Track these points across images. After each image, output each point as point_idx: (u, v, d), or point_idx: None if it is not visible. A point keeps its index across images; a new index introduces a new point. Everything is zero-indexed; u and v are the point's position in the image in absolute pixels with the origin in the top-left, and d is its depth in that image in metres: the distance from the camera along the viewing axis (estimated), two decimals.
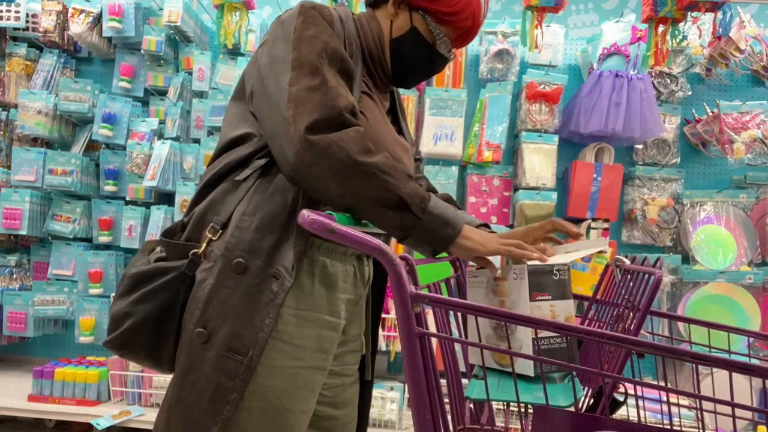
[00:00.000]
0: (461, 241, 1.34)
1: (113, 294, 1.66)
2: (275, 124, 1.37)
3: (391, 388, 3.33)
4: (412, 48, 1.56)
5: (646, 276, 1.24)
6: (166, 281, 1.40)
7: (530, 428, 0.95)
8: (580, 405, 1.22)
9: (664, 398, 1.23)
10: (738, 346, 3.26)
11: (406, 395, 3.32)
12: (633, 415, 2.34)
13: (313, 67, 1.35)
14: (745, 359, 1.42)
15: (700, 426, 1.00)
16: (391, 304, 3.39)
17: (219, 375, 1.34)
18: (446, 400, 1.24)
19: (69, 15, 3.71)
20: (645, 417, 1.55)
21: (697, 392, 0.90)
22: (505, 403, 1.58)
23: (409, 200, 1.30)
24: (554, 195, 3.49)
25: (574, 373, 1.19)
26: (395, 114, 1.73)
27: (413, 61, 1.59)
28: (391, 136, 1.56)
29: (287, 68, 1.37)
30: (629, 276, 1.35)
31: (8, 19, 3.72)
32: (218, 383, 1.34)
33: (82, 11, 3.68)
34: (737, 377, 1.14)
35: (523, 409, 1.34)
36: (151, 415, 3.15)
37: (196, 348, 1.36)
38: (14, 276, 3.73)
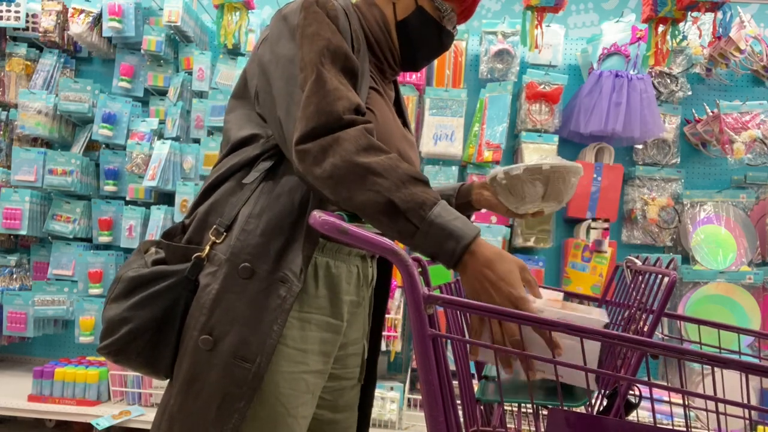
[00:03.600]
0: (464, 270, 1.19)
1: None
2: (278, 129, 1.35)
3: (391, 388, 3.32)
4: (420, 28, 1.53)
5: (659, 277, 1.24)
6: (168, 286, 1.35)
7: (544, 430, 0.95)
8: (593, 407, 1.22)
9: (666, 398, 1.23)
10: (736, 346, 3.27)
11: (406, 395, 3.32)
12: (641, 417, 2.35)
13: (313, 68, 1.30)
14: (752, 360, 1.42)
15: (717, 427, 1.00)
16: (390, 304, 3.40)
17: (226, 383, 1.30)
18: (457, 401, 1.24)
19: (69, 15, 3.71)
20: (645, 417, 1.56)
21: (714, 394, 0.90)
22: (516, 405, 1.58)
23: (403, 206, 1.18)
24: None
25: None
26: (399, 105, 1.69)
27: (422, 42, 1.55)
28: (399, 133, 1.52)
29: (294, 69, 1.33)
30: (640, 277, 1.35)
31: (8, 19, 3.71)
32: (226, 391, 1.30)
33: (82, 11, 3.67)
34: (736, 377, 1.14)
35: (533, 410, 1.34)
36: (151, 415, 3.14)
37: (201, 355, 1.32)
38: (14, 276, 3.73)
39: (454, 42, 3.61)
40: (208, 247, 1.36)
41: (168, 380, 1.42)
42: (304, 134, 1.26)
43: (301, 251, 1.34)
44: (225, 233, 1.36)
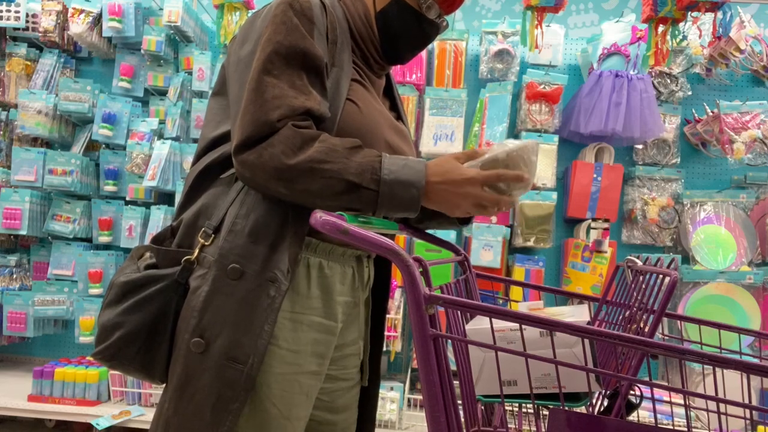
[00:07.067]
0: (430, 198, 1.34)
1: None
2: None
3: (391, 388, 3.32)
4: (399, 18, 1.51)
5: (660, 277, 1.24)
6: (158, 290, 1.35)
7: (545, 431, 0.95)
8: (594, 407, 1.22)
9: (666, 398, 1.23)
10: (737, 346, 3.27)
11: (406, 395, 3.32)
12: (642, 417, 2.35)
13: (255, 77, 1.32)
14: (752, 360, 1.42)
15: (718, 427, 1.00)
16: (390, 304, 3.39)
17: (219, 385, 1.30)
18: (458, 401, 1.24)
19: (69, 15, 3.70)
20: (646, 417, 1.56)
21: (714, 394, 0.90)
22: (517, 405, 1.58)
23: (358, 179, 1.27)
24: (554, 195, 3.49)
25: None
26: (392, 98, 1.69)
27: (402, 33, 1.53)
28: (388, 123, 1.51)
29: (247, 74, 1.35)
30: (641, 277, 1.35)
31: (8, 19, 3.71)
32: (219, 393, 1.30)
33: (82, 11, 3.67)
34: (736, 377, 1.14)
35: (534, 410, 1.34)
36: (151, 415, 3.12)
37: (193, 358, 1.32)
38: (14, 276, 3.72)
39: (454, 42, 3.63)
40: (197, 250, 1.36)
41: (164, 384, 1.41)
42: (239, 144, 1.29)
43: (288, 250, 1.34)
44: (213, 235, 1.36)
